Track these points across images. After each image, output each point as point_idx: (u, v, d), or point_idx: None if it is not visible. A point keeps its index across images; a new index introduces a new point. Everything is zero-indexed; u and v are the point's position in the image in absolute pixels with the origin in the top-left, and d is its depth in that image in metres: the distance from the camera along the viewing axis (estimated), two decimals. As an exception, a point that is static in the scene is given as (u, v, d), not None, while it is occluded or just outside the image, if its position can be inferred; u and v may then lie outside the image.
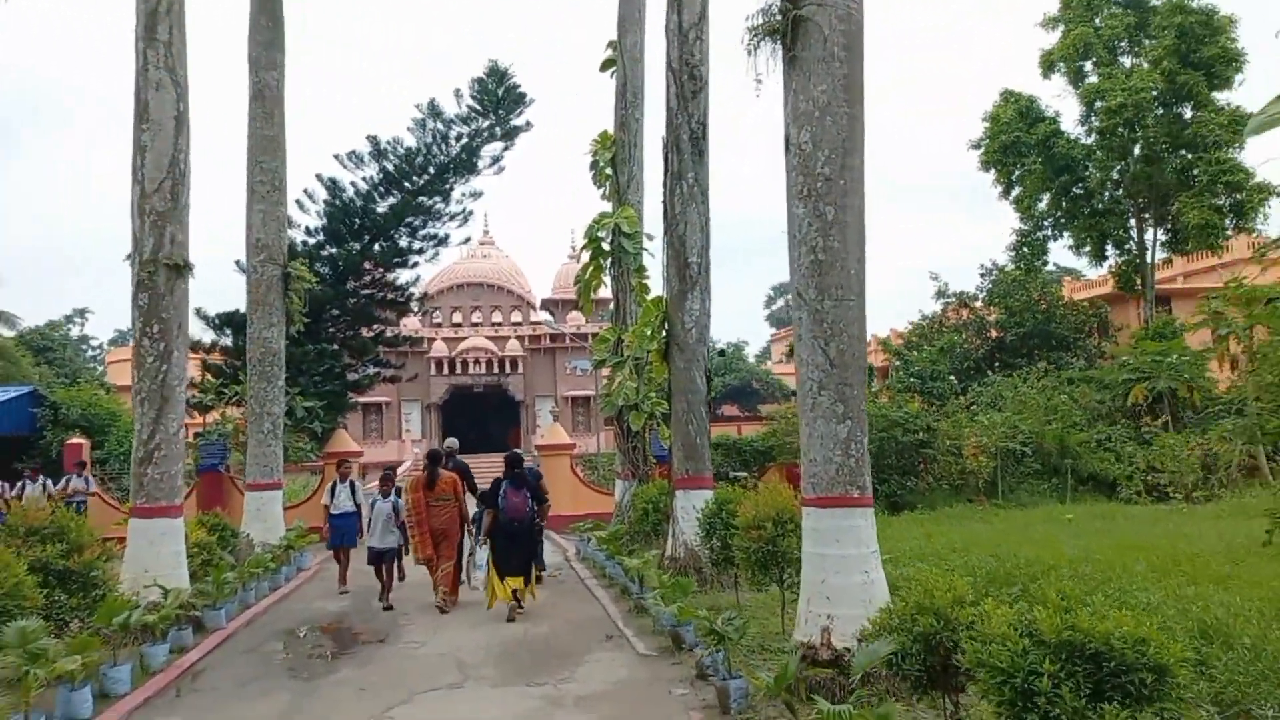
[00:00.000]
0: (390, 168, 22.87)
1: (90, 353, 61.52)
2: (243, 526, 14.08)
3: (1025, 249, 28.53)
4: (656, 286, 15.21)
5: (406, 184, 23.03)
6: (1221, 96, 23.74)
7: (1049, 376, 23.78)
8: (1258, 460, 18.58)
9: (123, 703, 6.75)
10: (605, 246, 15.22)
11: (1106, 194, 25.80)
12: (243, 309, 15.76)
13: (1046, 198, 26.98)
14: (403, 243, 23.40)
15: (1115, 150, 24.01)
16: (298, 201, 22.58)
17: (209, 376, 21.08)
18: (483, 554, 10.50)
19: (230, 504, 16.88)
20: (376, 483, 12.66)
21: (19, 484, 15.93)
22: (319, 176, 22.73)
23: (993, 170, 27.91)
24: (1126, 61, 25.15)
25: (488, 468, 33.47)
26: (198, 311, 21.51)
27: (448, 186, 23.29)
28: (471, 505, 11.06)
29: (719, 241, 15.53)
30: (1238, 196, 22.91)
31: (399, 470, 22.13)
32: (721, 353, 47.37)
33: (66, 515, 8.33)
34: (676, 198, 11.23)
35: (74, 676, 6.41)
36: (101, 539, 8.99)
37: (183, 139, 10.51)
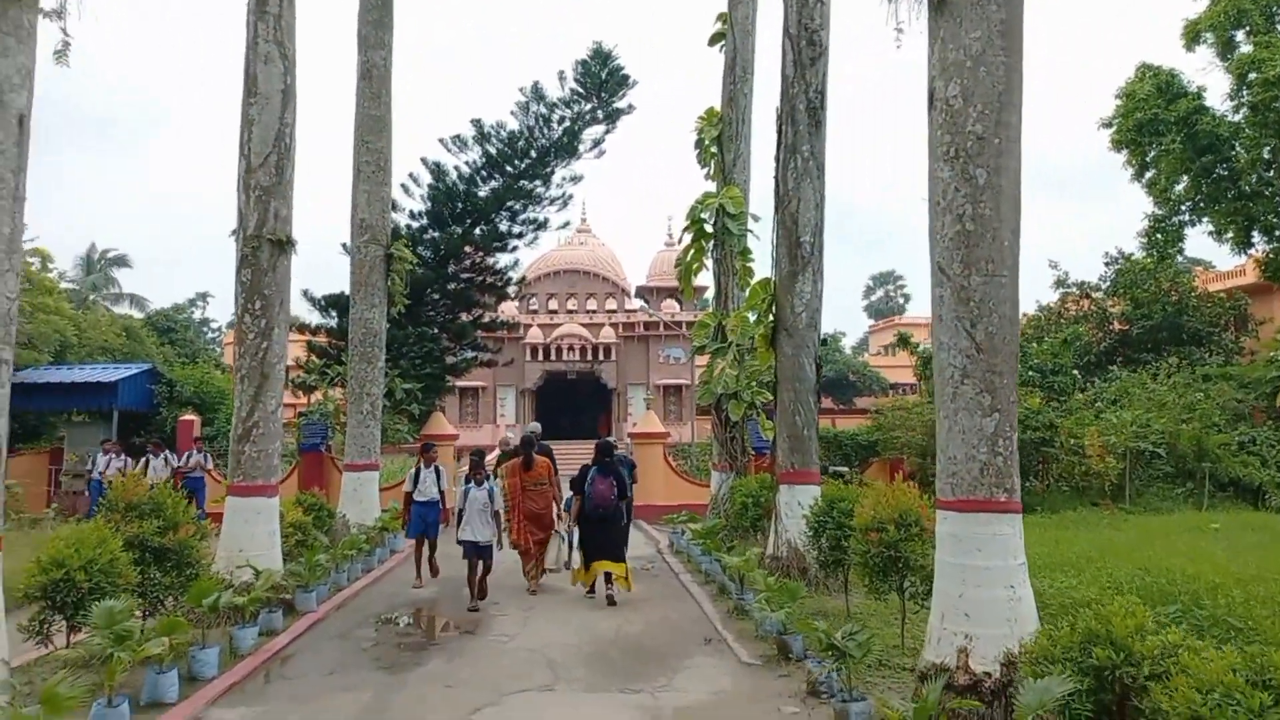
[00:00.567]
0: (493, 151, 22.75)
1: (210, 334, 64.67)
2: (339, 507, 14.09)
3: (1159, 235, 26.29)
4: (761, 270, 14.45)
5: (508, 167, 22.87)
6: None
7: (1181, 373, 21.84)
8: None
9: (208, 688, 6.54)
10: (708, 228, 14.53)
11: (1256, 175, 23.39)
12: (347, 291, 15.79)
13: (1185, 180, 24.72)
14: (503, 226, 23.27)
15: (1270, 127, 21.68)
16: (403, 185, 22.78)
17: (313, 357, 21.44)
18: (571, 537, 10.91)
19: (330, 484, 17.05)
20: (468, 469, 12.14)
21: (143, 459, 16.40)
22: (424, 160, 22.84)
23: (1125, 151, 25.78)
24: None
25: (579, 455, 33.39)
26: (304, 293, 21.97)
27: (548, 170, 23.03)
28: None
29: (758, 240, 14.72)
30: None
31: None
32: (823, 342, 45.93)
33: (165, 491, 8.24)
34: (790, 172, 10.44)
35: (161, 659, 6.22)
36: (206, 515, 8.87)
37: (289, 113, 10.38)
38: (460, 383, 37.86)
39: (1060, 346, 22.70)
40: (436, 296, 22.55)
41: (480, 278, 23.23)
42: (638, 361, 46.12)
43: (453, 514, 11.31)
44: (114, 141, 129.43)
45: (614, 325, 46.05)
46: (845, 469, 18.95)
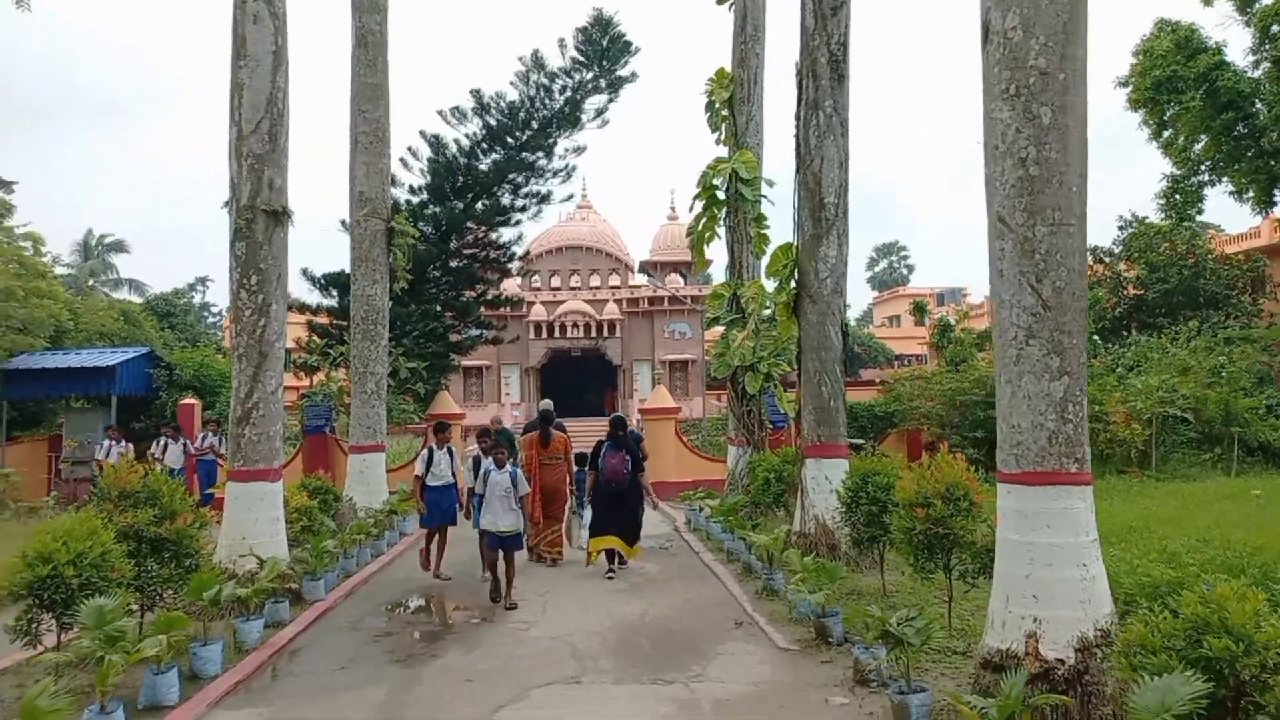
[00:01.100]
0: (493, 123, 22.09)
1: (210, 319, 64.16)
2: (345, 490, 13.64)
3: (1177, 196, 25.63)
4: (777, 237, 13.89)
5: (509, 139, 22.23)
6: None
7: (1202, 336, 21.30)
8: None
9: (211, 687, 6.09)
10: (720, 195, 13.93)
11: (1277, 132, 22.67)
12: (348, 269, 15.26)
13: (1204, 139, 24.01)
14: (505, 200, 22.67)
15: (1294, 80, 21.02)
16: (402, 159, 22.15)
17: (315, 337, 20.92)
18: (587, 515, 10.71)
19: (336, 467, 16.61)
20: (474, 444, 11.25)
21: (161, 442, 15.97)
22: (422, 133, 22.16)
23: (1142, 110, 25.06)
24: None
25: (585, 432, 32.96)
26: (304, 272, 21.41)
27: (550, 141, 22.37)
28: None
29: (791, 196, 14.15)
30: None
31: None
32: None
33: (159, 478, 7.76)
34: (811, 130, 9.85)
35: (159, 659, 5.77)
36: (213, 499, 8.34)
37: (281, 76, 9.79)
38: (465, 361, 37.35)
39: (1078, 312, 22.10)
40: (439, 273, 21.99)
41: (483, 253, 22.65)
42: (643, 337, 45.61)
43: (463, 496, 10.72)
44: (113, 125, 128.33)
45: (618, 301, 45.49)
46: (861, 440, 18.50)
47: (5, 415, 19.73)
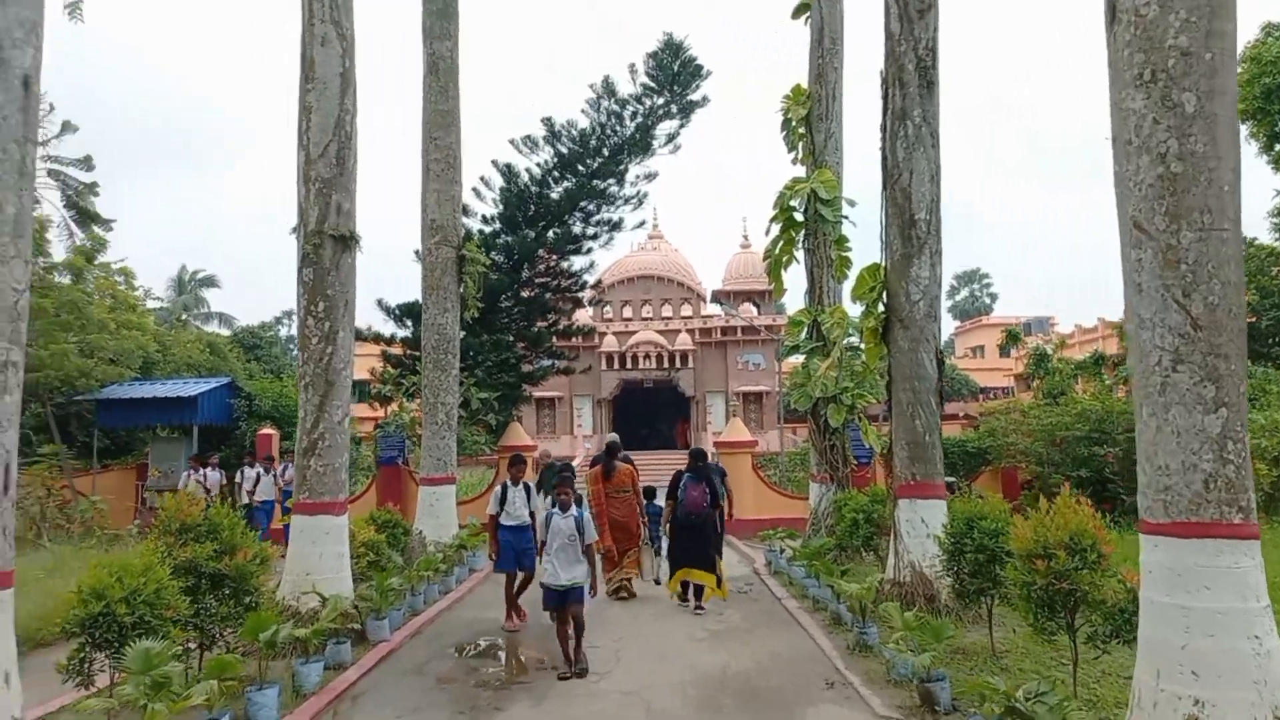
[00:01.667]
0: (564, 150, 22.02)
1: (294, 350, 66.15)
2: (415, 523, 13.38)
3: (1292, 216, 23.87)
4: (859, 260, 13.21)
5: (580, 166, 22.11)
6: None
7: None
8: None
9: (262, 740, 5.69)
10: (798, 216, 13.34)
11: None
12: (420, 299, 15.17)
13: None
14: (576, 228, 22.51)
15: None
16: (474, 189, 22.28)
17: (388, 367, 20.99)
18: (664, 546, 10.62)
19: (409, 499, 16.44)
20: (541, 484, 10.55)
21: (247, 472, 15.40)
22: (494, 162, 22.24)
23: (1249, 122, 23.48)
24: None
25: (658, 465, 32.30)
26: (378, 302, 21.57)
27: (621, 168, 22.16)
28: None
29: (873, 217, 13.38)
30: None
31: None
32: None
33: (221, 511, 7.54)
34: (899, 142, 9.21)
35: (209, 705, 5.41)
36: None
37: (349, 99, 9.69)
38: (537, 393, 37.35)
39: (1188, 340, 20.59)
40: (510, 303, 21.88)
41: (554, 282, 22.48)
42: (715, 368, 44.91)
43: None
44: (205, 161, 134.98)
45: (690, 331, 44.97)
46: (953, 479, 17.43)
47: (97, 444, 20.29)
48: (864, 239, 20.51)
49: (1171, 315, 4.48)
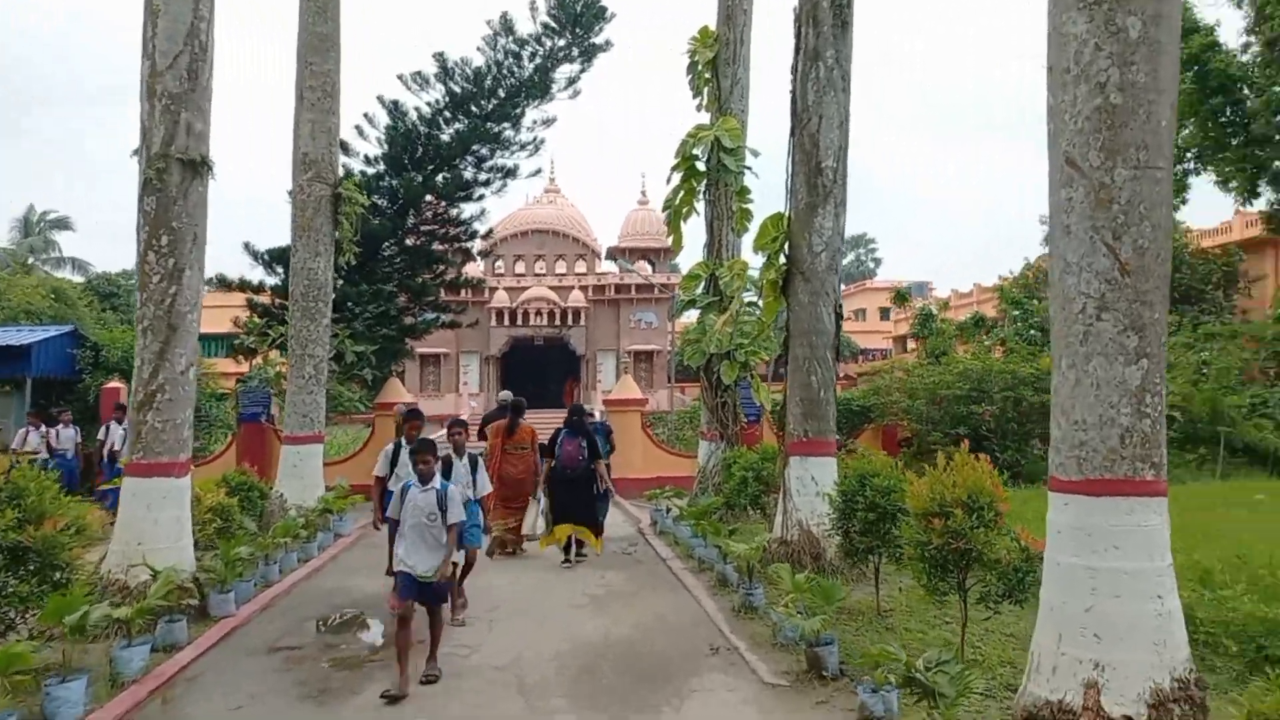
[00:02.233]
0: (457, 90, 20.68)
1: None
2: (276, 485, 12.32)
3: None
4: (761, 213, 12.83)
5: (474, 108, 20.85)
6: None
7: (1183, 331, 20.70)
8: None
9: (57, 741, 4.81)
10: (700, 166, 12.77)
11: (1266, 119, 21.96)
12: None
13: (1191, 125, 23.31)
14: (468, 174, 21.29)
15: (1283, 64, 20.35)
16: (357, 127, 20.69)
17: (255, 317, 19.40)
18: (543, 503, 10.37)
19: (273, 459, 15.20)
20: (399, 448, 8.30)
21: (121, 428, 12.83)
22: (380, 99, 20.65)
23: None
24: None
25: (546, 424, 31.63)
26: (246, 246, 19.89)
27: (518, 111, 21.03)
28: None
29: (775, 171, 13.06)
30: None
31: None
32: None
33: (29, 473, 6.45)
34: (810, 84, 8.72)
35: (-13, 705, 4.49)
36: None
37: (205, 4, 8.46)
38: (421, 349, 35.86)
39: (1063, 305, 21.34)
40: (394, 251, 20.58)
41: (443, 230, 21.27)
42: (608, 326, 44.33)
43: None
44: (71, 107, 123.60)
45: (583, 288, 44.14)
46: (836, 437, 17.55)
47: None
48: (766, 191, 20.29)
49: (1099, 259, 4.15)
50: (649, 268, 44.73)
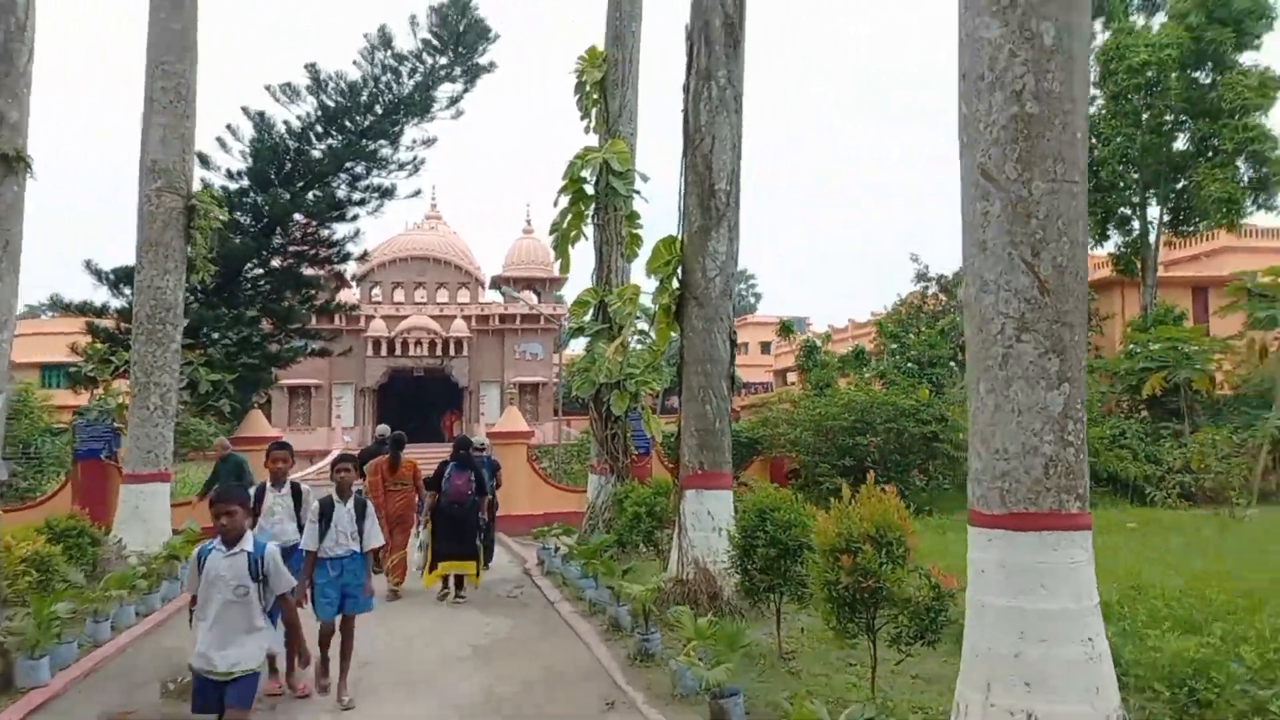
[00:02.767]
0: (330, 103, 19.66)
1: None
2: (114, 530, 10.96)
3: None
4: (652, 237, 12.54)
5: (349, 123, 19.88)
6: (1244, 59, 21.97)
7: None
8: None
9: None
10: (589, 189, 12.38)
11: (1112, 167, 23.70)
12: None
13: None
14: (341, 192, 20.21)
15: (1128, 116, 22.00)
16: (219, 139, 19.26)
17: (96, 343, 17.60)
18: (421, 536, 10.13)
19: (116, 502, 13.64)
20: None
21: None
22: (245, 110, 19.39)
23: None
24: (1139, 20, 23.20)
25: (425, 459, 30.30)
26: (88, 264, 18.07)
27: (396, 129, 20.21)
28: None
29: (647, 203, 12.98)
30: (1263, 169, 21.15)
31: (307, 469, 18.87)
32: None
33: None
34: (703, 104, 8.48)
35: None
36: None
37: (23, -22, 7.45)
38: (291, 379, 33.88)
39: (937, 337, 22.16)
40: (259, 273, 19.20)
41: (313, 251, 20.02)
42: (492, 358, 43.28)
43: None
44: None
45: (466, 318, 43.00)
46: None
47: None
48: (656, 217, 20.19)
49: (1019, 277, 3.93)
50: (534, 298, 44.09)
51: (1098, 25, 23.54)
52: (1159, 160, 22.54)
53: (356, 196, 20.14)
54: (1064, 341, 3.91)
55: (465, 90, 20.59)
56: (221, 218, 12.94)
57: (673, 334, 9.16)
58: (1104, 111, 23.05)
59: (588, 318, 12.47)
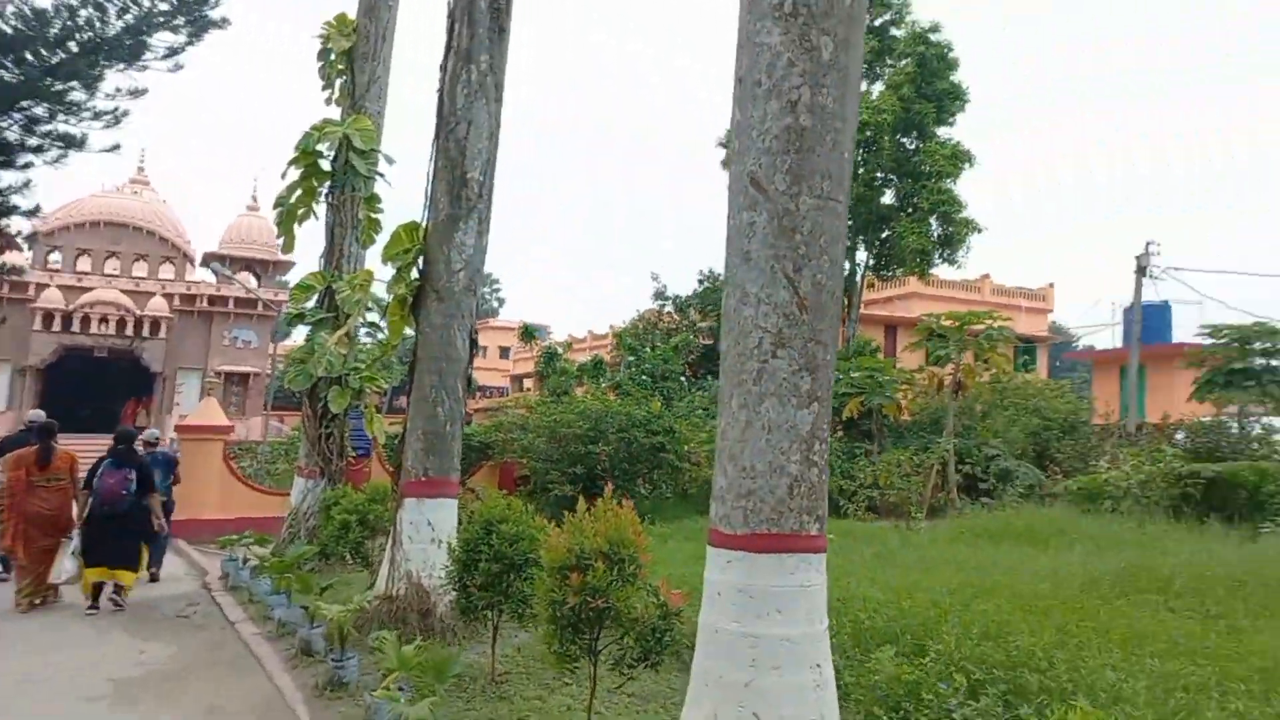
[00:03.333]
0: (7, 30, 16.31)
1: None
2: None
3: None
4: (389, 224, 11.64)
5: (29, 55, 16.62)
6: (941, 131, 25.37)
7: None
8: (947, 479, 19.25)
9: None
10: (325, 165, 11.17)
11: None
12: None
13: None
14: (12, 135, 16.85)
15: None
16: None
17: None
18: (75, 542, 8.97)
19: None
20: None
21: None
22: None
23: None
24: (862, 86, 26.00)
25: (100, 452, 26.30)
26: None
27: (95, 72, 17.21)
28: None
29: (390, 188, 12.33)
30: (949, 228, 24.46)
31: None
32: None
33: None
34: (460, 87, 7.82)
35: None
36: None
37: None
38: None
39: (671, 352, 22.95)
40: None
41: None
42: (196, 342, 38.60)
43: None
44: None
45: (168, 296, 38.02)
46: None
47: None
48: (399, 204, 18.83)
49: (780, 291, 3.78)
50: (254, 280, 40.02)
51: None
52: (869, 211, 25.20)
53: (33, 142, 16.93)
54: (817, 360, 3.83)
55: (189, 43, 18.02)
56: None
57: (407, 329, 8.39)
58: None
59: (310, 304, 11.20)
